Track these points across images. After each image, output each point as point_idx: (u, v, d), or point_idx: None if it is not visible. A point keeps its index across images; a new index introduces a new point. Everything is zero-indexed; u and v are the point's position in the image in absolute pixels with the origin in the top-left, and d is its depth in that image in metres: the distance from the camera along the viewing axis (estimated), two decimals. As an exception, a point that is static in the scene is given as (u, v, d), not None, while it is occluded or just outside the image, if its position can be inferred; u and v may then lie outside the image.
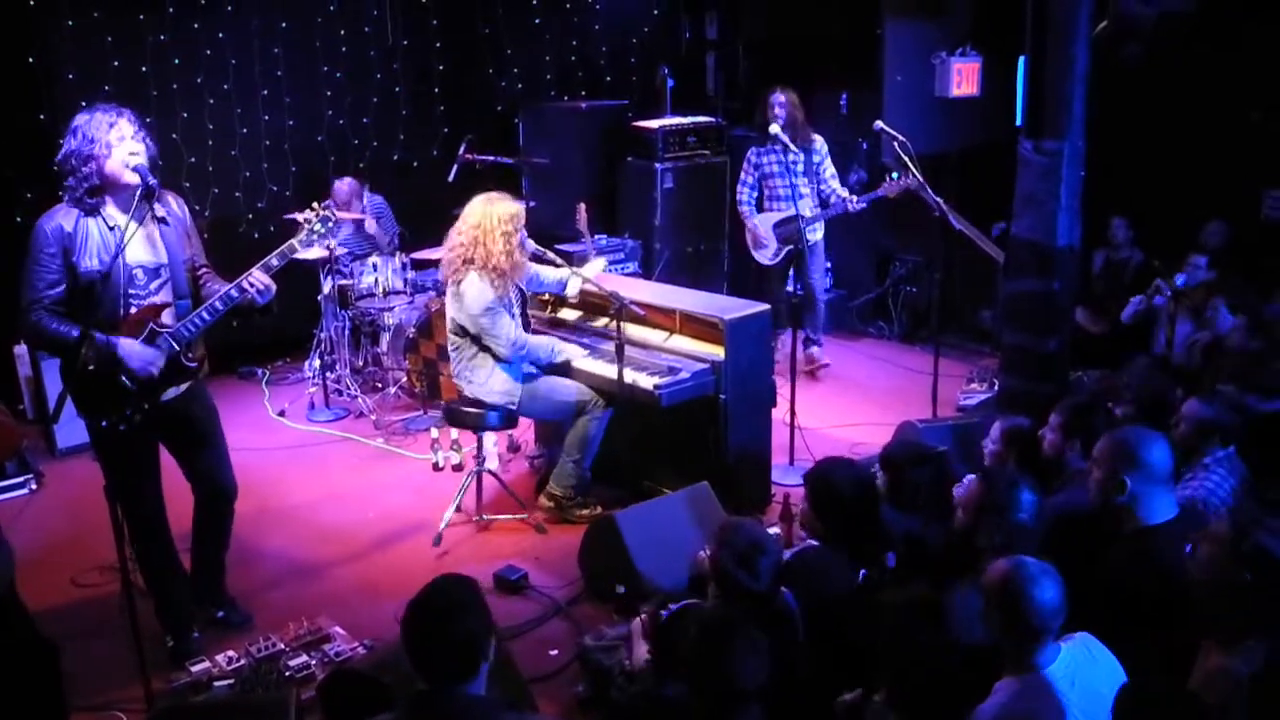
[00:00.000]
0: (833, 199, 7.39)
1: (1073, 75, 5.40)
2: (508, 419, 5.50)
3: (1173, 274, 6.71)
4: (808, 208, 7.31)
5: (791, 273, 6.99)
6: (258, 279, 4.17)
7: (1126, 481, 3.39)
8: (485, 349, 5.33)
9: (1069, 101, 5.42)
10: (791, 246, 7.28)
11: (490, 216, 5.21)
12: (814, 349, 7.86)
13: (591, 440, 5.52)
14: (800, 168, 7.38)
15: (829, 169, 7.49)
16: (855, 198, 7.31)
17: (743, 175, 7.67)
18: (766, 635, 3.29)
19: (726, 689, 2.95)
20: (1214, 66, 7.11)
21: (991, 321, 7.95)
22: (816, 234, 7.57)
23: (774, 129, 6.75)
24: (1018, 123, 6.17)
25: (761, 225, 7.57)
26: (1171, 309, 6.56)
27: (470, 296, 5.20)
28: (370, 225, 7.85)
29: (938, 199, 6.23)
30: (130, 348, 4.01)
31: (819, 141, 7.46)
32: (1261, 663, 2.68)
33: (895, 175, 6.94)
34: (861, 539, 3.85)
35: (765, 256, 7.60)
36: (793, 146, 6.95)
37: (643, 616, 3.93)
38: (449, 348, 5.50)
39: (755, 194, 7.64)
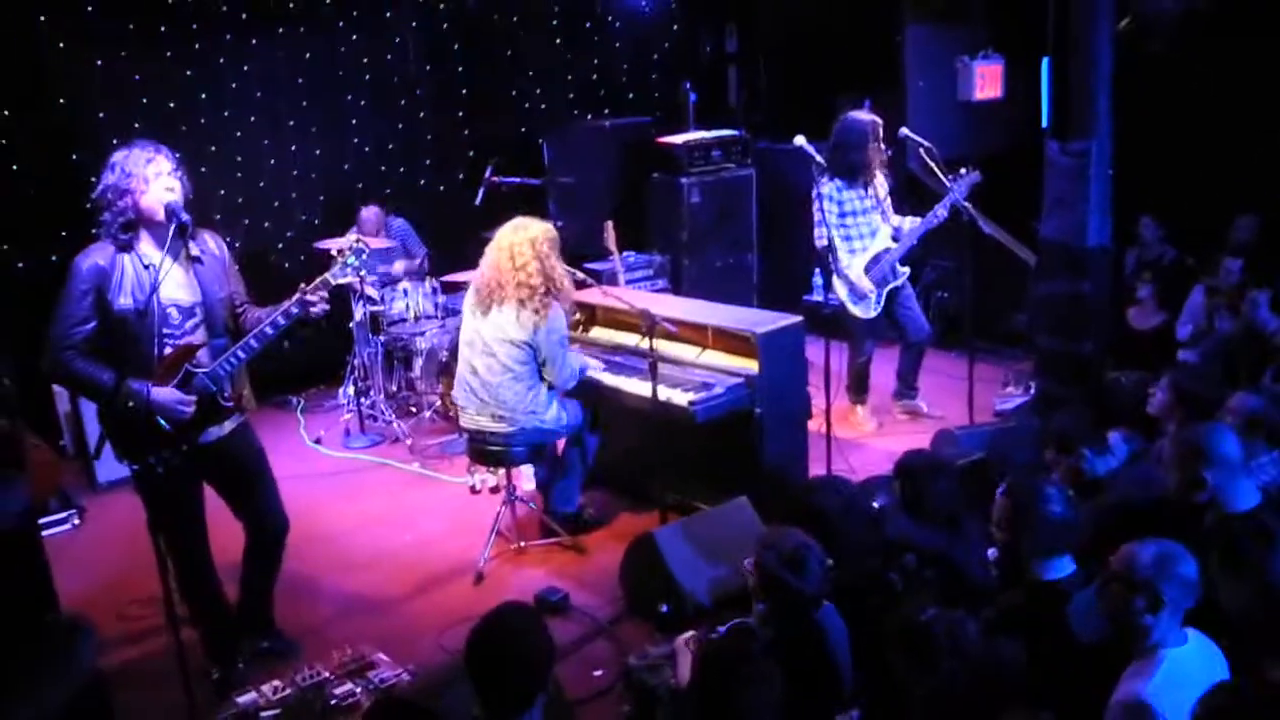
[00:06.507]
0: (907, 224, 6.70)
1: (1097, 74, 5.39)
2: (535, 452, 5.50)
3: (1206, 274, 6.64)
4: (887, 239, 6.70)
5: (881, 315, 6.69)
6: (318, 297, 4.15)
7: (1206, 478, 3.49)
8: (541, 377, 5.30)
9: (1094, 100, 5.41)
10: (886, 289, 6.70)
11: (539, 243, 5.19)
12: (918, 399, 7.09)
13: (591, 454, 5.66)
14: (873, 202, 6.74)
15: (888, 201, 6.84)
16: (942, 212, 6.44)
17: (819, 215, 6.33)
18: (796, 657, 3.21)
19: None
20: (1239, 59, 7.04)
21: (1025, 325, 7.88)
22: (907, 269, 6.79)
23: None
24: (1044, 124, 6.14)
25: (854, 272, 6.64)
26: (1209, 306, 6.48)
27: (555, 322, 5.20)
28: (399, 268, 7.91)
29: (966, 204, 6.20)
30: (160, 393, 4.00)
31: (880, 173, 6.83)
32: None
33: (965, 170, 6.33)
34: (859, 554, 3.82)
35: (867, 309, 6.66)
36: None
37: (690, 636, 3.90)
38: (495, 373, 5.23)
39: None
